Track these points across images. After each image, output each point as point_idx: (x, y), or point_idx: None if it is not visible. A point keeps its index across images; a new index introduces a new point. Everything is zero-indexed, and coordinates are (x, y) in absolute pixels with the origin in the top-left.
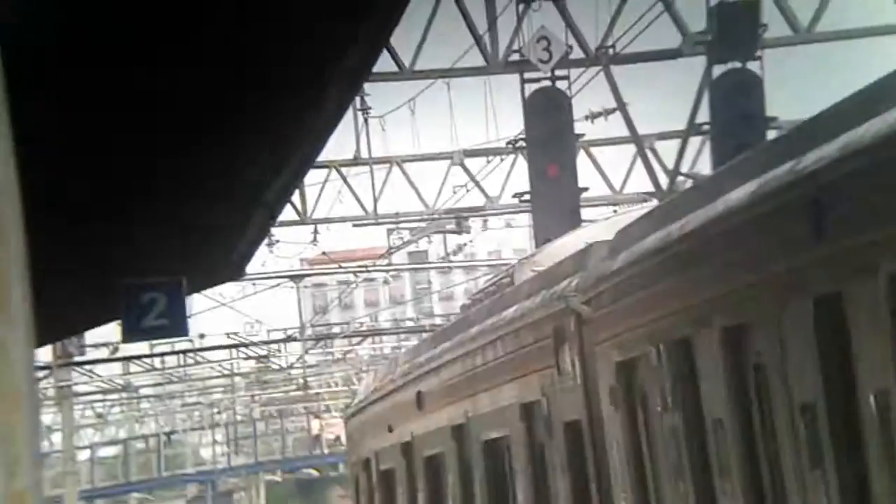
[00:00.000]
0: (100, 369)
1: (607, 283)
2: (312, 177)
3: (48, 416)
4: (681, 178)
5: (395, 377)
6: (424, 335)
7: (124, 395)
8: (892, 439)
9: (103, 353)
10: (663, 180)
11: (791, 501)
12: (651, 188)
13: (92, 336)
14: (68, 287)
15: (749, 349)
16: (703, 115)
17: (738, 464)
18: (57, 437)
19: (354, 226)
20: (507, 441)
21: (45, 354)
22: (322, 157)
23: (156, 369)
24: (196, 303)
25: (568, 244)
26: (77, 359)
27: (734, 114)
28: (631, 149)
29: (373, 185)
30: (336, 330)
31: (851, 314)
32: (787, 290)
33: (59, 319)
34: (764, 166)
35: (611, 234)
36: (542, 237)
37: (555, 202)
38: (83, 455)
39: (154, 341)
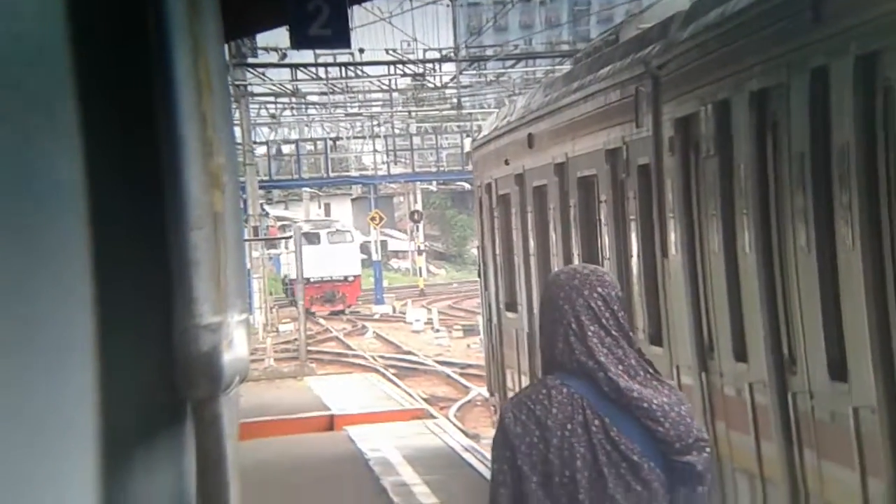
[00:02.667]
0: (271, 74)
1: (676, 51)
2: None
3: None
4: None
5: (512, 119)
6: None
7: (294, 99)
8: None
9: (273, 57)
10: None
11: (788, 224)
12: None
13: (262, 40)
14: None
15: (768, 110)
16: None
17: (754, 196)
18: (237, 132)
19: None
20: (596, 178)
21: None
22: None
23: (321, 79)
24: (357, 18)
25: (676, 2)
26: (251, 60)
27: None
28: None
29: None
30: (490, 52)
31: (835, 85)
32: (792, 64)
33: (232, 20)
34: None
35: None
36: None
37: None
38: (261, 150)
39: (318, 51)
